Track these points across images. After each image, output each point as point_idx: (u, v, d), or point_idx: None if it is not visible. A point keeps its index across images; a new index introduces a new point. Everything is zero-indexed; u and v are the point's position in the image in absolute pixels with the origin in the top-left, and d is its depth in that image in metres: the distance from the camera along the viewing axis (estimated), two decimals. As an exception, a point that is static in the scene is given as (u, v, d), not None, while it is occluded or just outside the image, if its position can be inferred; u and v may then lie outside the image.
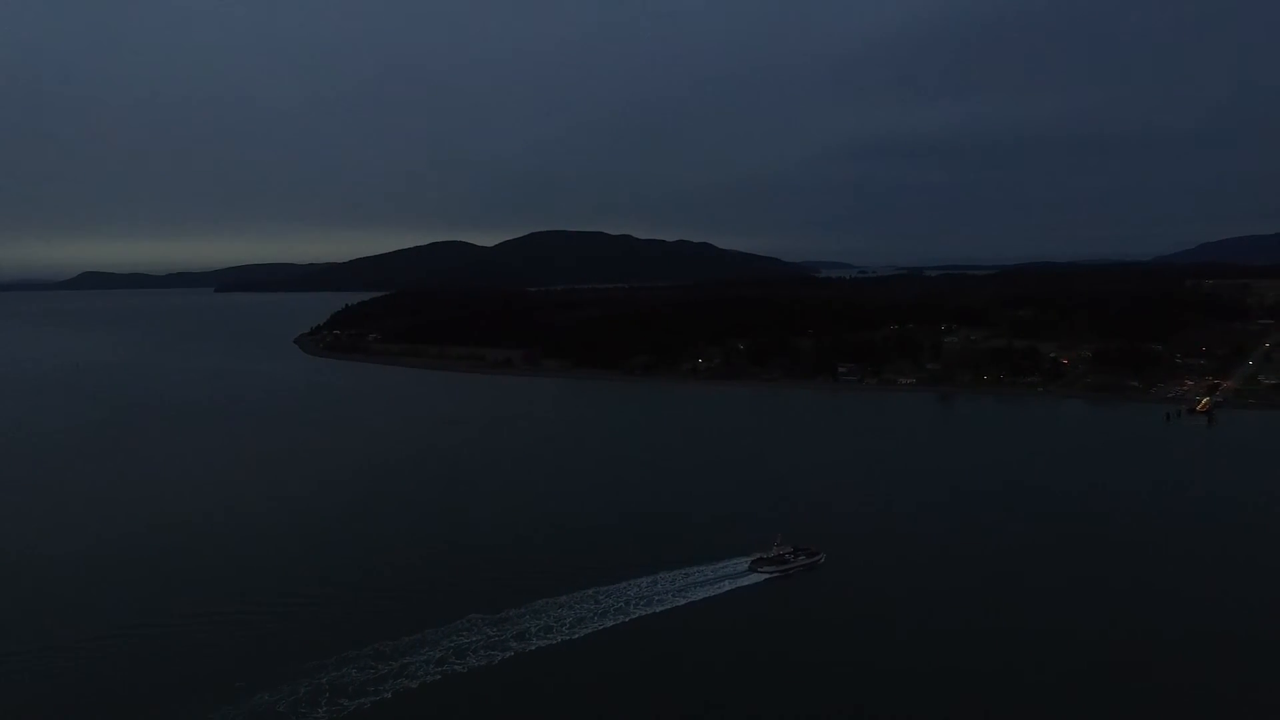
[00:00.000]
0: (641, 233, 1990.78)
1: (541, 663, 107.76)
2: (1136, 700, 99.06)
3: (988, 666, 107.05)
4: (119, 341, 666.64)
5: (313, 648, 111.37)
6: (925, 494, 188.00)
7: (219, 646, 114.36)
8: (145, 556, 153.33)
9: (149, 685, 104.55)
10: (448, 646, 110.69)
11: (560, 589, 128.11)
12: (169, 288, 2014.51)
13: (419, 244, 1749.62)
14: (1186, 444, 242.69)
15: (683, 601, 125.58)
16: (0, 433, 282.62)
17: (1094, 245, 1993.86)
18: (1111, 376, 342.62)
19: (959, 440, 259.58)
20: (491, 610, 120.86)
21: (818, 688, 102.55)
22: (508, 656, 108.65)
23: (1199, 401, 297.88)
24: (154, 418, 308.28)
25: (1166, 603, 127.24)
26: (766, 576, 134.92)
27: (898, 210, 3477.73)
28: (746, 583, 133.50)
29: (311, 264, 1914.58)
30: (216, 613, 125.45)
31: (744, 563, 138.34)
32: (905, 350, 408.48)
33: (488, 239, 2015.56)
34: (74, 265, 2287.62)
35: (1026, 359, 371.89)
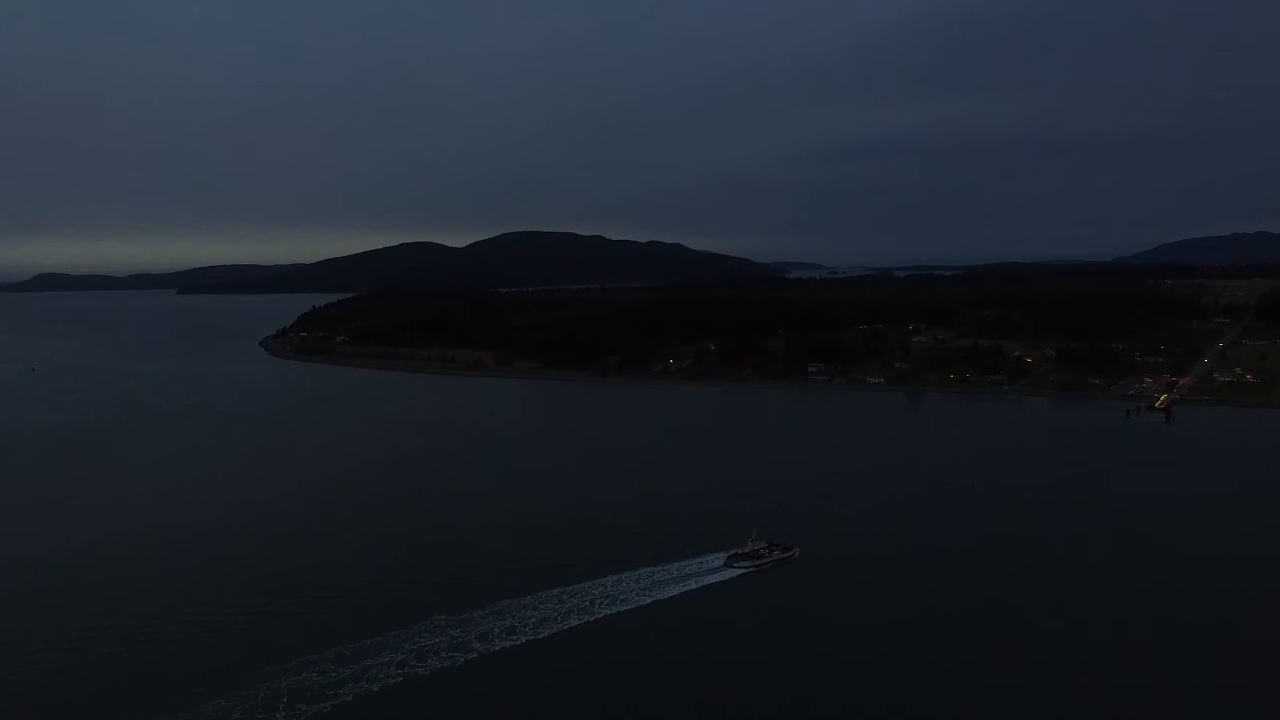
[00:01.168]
0: (614, 234, 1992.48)
1: (505, 663, 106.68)
2: (1082, 684, 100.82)
3: (948, 655, 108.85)
4: (77, 344, 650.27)
5: (272, 652, 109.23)
6: (892, 490, 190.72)
7: (174, 653, 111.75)
8: (96, 563, 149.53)
9: (99, 692, 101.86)
10: (409, 649, 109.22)
11: (525, 589, 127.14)
12: (130, 289, 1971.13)
13: (389, 245, 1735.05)
14: (1145, 440, 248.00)
15: (658, 597, 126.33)
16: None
17: (1056, 246, 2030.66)
18: (1074, 375, 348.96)
19: (925, 438, 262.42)
20: (454, 612, 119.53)
21: (788, 678, 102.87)
22: (470, 658, 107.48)
23: (1158, 399, 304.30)
24: (109, 422, 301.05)
25: (1100, 592, 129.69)
26: (742, 571, 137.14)
27: (867, 212, 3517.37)
28: (722, 578, 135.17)
29: (278, 265, 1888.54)
30: (172, 618, 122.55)
31: (720, 558, 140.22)
32: (874, 350, 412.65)
33: (459, 240, 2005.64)
34: (30, 266, 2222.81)
35: (992, 358, 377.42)
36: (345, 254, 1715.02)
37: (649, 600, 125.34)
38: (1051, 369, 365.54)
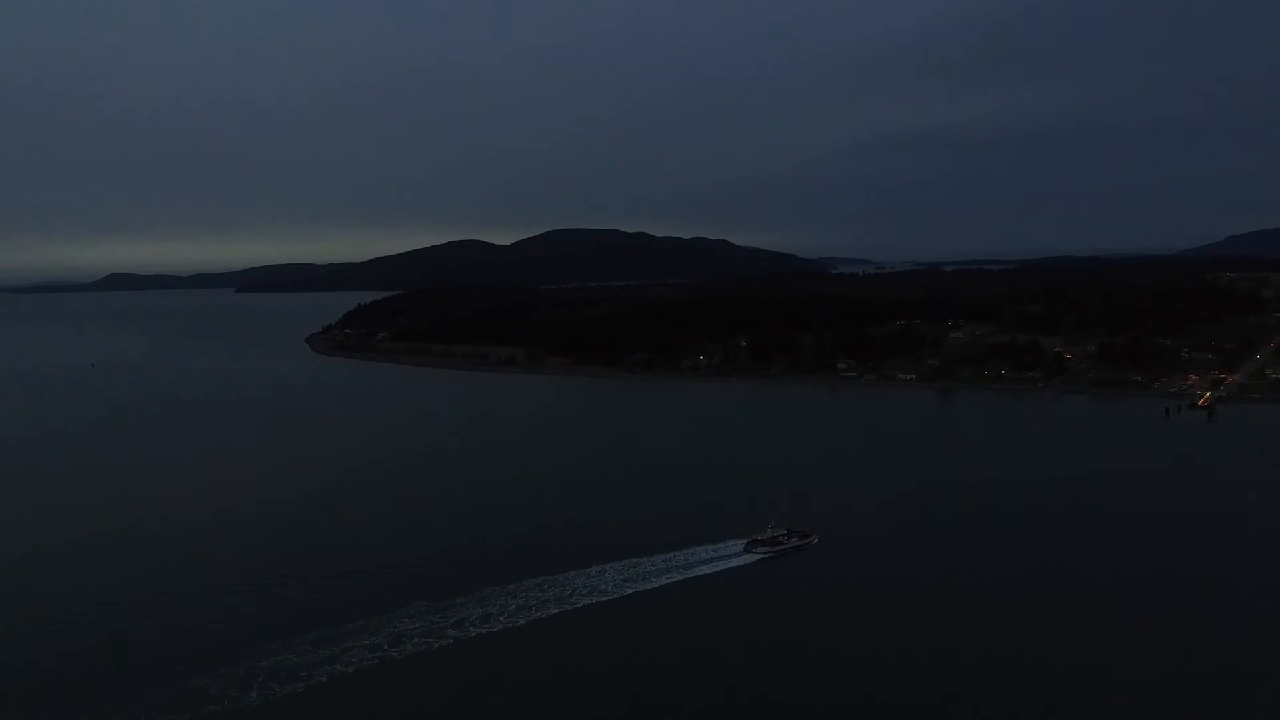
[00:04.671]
0: (658, 230, 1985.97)
1: (485, 649, 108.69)
2: (1101, 679, 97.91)
3: (956, 646, 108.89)
4: (137, 341, 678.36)
5: (259, 633, 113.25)
6: (913, 485, 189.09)
7: (170, 631, 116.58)
8: (107, 545, 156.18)
9: (90, 667, 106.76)
10: (388, 633, 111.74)
11: (523, 575, 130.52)
12: (192, 288, 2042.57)
13: (436, 243, 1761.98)
14: (1181, 439, 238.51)
15: (672, 580, 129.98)
16: None
17: (1116, 240, 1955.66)
18: (1114, 371, 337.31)
19: (951, 435, 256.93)
20: (439, 598, 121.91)
21: (794, 659, 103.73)
22: (445, 644, 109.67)
23: (1201, 396, 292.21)
24: (150, 415, 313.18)
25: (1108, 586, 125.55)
26: (761, 556, 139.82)
27: (915, 206, 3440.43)
28: (740, 562, 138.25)
29: (331, 263, 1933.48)
30: (172, 598, 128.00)
31: (739, 545, 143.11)
32: (907, 346, 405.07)
33: (504, 238, 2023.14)
34: (102, 267, 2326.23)
35: (1029, 354, 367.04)
36: (395, 252, 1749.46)
37: (661, 584, 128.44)
38: (1091, 366, 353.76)
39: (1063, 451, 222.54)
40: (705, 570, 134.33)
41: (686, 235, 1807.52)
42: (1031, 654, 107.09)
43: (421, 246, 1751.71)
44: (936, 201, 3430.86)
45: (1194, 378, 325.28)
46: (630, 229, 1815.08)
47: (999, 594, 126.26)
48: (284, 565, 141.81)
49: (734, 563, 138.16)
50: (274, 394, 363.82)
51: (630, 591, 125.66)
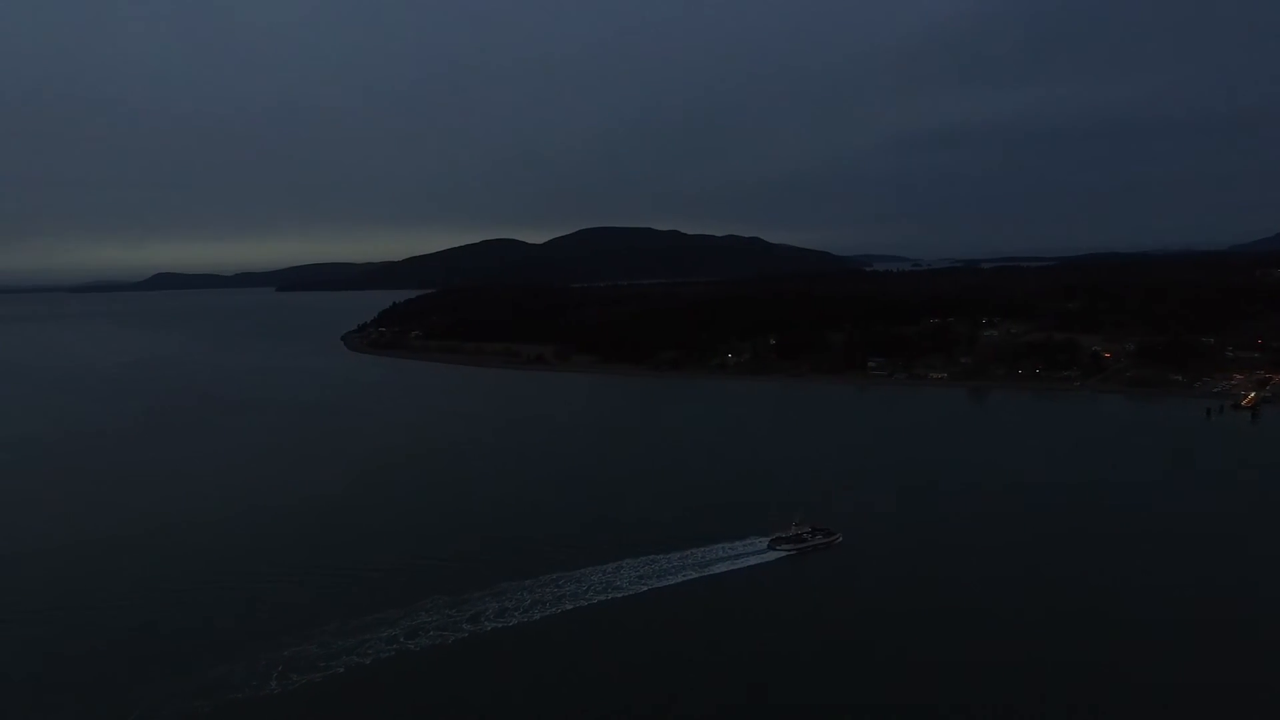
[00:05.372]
0: (690, 228, 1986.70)
1: (499, 643, 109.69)
2: (1125, 681, 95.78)
3: (980, 649, 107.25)
4: (179, 339, 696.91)
5: (283, 623, 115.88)
6: (941, 484, 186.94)
7: (198, 619, 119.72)
8: (134, 539, 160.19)
9: (118, 652, 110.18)
10: (405, 626, 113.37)
11: (540, 570, 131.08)
12: (235, 287, 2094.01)
13: (471, 242, 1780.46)
14: (1223, 440, 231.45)
15: (693, 576, 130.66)
16: (25, 428, 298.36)
17: (1165, 235, 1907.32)
18: (1154, 370, 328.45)
19: (982, 434, 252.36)
20: (456, 593, 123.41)
21: (809, 658, 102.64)
22: (461, 637, 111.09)
23: (1245, 396, 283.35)
24: (187, 412, 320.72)
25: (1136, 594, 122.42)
26: (784, 554, 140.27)
27: (955, 202, 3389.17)
28: (763, 559, 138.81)
29: (369, 263, 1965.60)
30: (202, 588, 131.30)
31: (764, 542, 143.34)
32: (940, 344, 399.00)
33: (537, 236, 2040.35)
34: (149, 267, 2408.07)
35: (1065, 353, 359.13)
36: (431, 251, 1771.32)
37: (678, 580, 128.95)
38: (1130, 365, 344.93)
39: (1095, 452, 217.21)
40: (726, 567, 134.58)
41: (719, 233, 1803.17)
42: (1056, 658, 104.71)
43: (456, 245, 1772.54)
44: (977, 198, 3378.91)
45: (1238, 377, 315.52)
46: (662, 227, 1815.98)
47: (1024, 597, 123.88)
48: (306, 558, 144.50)
49: (756, 560, 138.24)
50: (307, 391, 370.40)
51: (645, 588, 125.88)
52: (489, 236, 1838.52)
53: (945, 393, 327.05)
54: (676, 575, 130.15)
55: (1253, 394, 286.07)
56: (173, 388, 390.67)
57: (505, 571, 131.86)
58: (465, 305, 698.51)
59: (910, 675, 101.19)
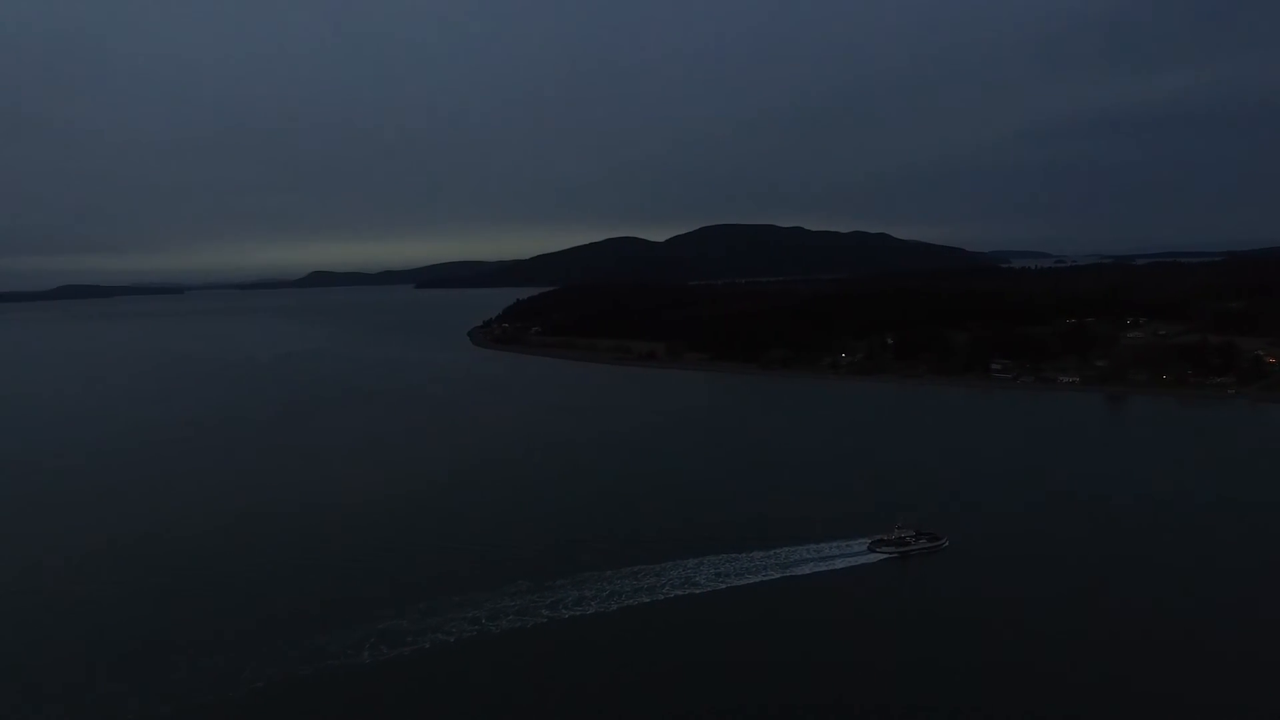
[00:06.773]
0: (815, 224, 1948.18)
1: (575, 630, 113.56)
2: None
3: (1087, 668, 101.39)
4: (325, 332, 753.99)
5: (376, 600, 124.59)
6: (1061, 493, 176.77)
7: (308, 592, 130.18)
8: (263, 518, 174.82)
9: (232, 621, 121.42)
10: (488, 608, 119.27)
11: (631, 562, 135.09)
12: (379, 284, 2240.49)
13: (595, 240, 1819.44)
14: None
15: (792, 574, 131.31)
16: (175, 416, 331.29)
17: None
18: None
19: (1112, 442, 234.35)
20: (540, 579, 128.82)
21: (888, 665, 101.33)
22: (539, 622, 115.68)
23: None
24: (323, 401, 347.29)
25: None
26: (884, 556, 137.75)
27: (1104, 194, 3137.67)
28: (861, 561, 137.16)
29: (500, 260, 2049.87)
30: (314, 564, 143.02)
31: (864, 543, 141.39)
32: (1075, 346, 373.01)
33: (659, 234, 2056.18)
34: (305, 265, 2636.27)
35: (1221, 357, 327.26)
36: (557, 249, 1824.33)
37: (779, 576, 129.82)
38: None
39: (1243, 468, 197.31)
40: (823, 567, 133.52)
41: (844, 230, 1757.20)
42: (1163, 687, 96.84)
43: (581, 243, 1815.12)
44: (1128, 189, 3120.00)
45: None
46: (785, 224, 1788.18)
47: (1137, 617, 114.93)
48: (406, 540, 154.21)
49: (854, 561, 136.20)
50: (430, 384, 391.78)
51: (724, 586, 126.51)
52: (613, 234, 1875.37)
53: (1076, 397, 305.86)
54: (757, 574, 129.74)
55: None
56: (316, 378, 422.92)
57: (588, 561, 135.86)
58: (583, 302, 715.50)
59: (1004, 687, 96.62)
